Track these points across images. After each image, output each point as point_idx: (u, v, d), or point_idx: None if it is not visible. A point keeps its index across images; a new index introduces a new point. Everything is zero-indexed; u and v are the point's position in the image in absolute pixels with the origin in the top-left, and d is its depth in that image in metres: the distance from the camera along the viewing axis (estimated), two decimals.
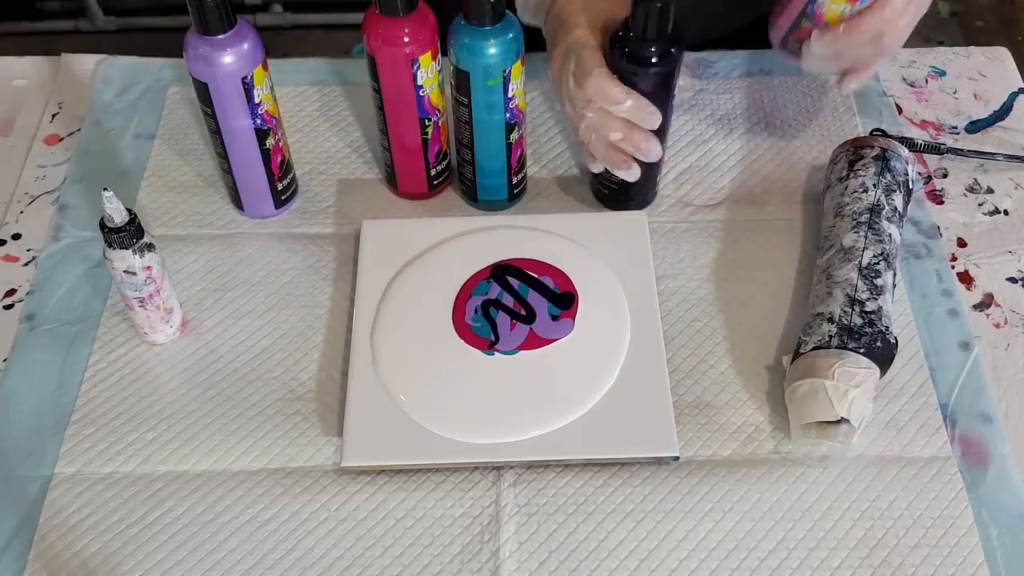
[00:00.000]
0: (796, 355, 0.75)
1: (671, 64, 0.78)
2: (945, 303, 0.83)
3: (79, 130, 0.96)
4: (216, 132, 0.82)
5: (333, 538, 0.71)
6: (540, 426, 0.74)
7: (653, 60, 0.77)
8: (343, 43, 2.14)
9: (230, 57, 0.77)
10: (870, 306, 0.75)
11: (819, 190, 0.89)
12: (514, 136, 0.84)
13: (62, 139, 0.96)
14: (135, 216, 0.73)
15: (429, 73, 0.80)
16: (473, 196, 0.89)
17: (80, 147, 0.94)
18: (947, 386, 0.78)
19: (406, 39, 0.78)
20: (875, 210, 0.80)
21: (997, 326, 0.82)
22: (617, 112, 0.78)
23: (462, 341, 0.78)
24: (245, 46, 0.77)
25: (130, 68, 1.01)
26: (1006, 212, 0.90)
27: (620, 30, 0.77)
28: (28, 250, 0.88)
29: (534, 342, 0.78)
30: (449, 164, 0.90)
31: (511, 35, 0.78)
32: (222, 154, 0.84)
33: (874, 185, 0.82)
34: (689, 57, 1.01)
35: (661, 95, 0.79)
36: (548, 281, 0.81)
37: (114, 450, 0.75)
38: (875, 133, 0.91)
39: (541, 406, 0.75)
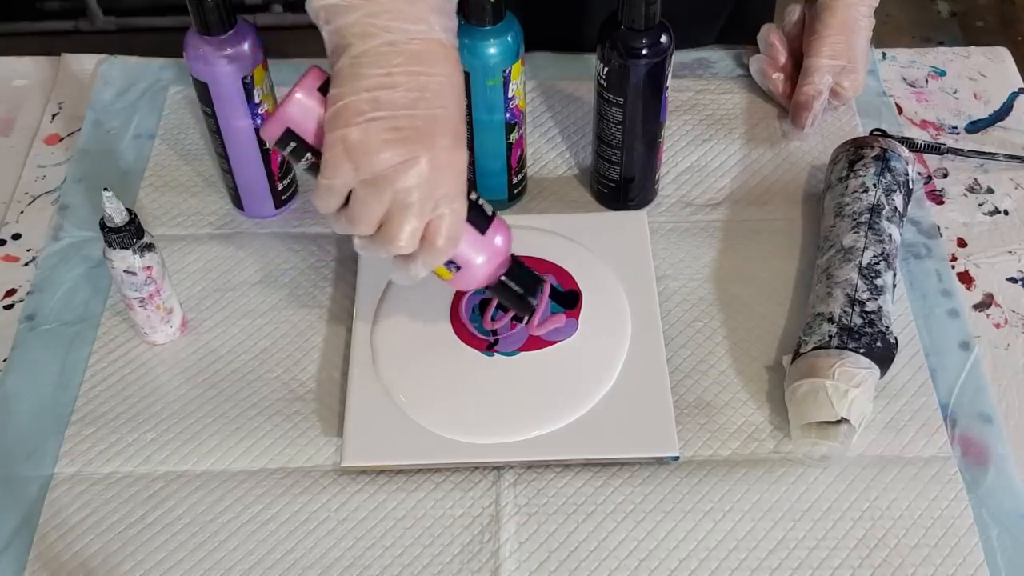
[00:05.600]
0: (796, 355, 0.75)
1: (661, 55, 0.78)
2: (945, 303, 0.83)
3: (79, 130, 0.96)
4: (216, 132, 0.82)
5: (333, 538, 0.71)
6: (540, 426, 0.74)
7: (644, 52, 0.77)
8: None
9: (230, 57, 0.77)
10: (870, 306, 0.75)
11: (819, 190, 0.89)
12: (514, 136, 0.84)
13: (62, 139, 0.96)
14: (135, 216, 0.73)
15: None
16: None
17: (80, 147, 0.94)
18: (947, 386, 0.78)
19: None
20: (875, 210, 0.80)
21: (997, 326, 0.82)
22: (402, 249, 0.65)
23: (461, 342, 0.78)
24: (245, 46, 0.77)
25: (130, 68, 1.01)
26: (1006, 212, 0.90)
27: (610, 22, 0.78)
28: (28, 250, 0.88)
29: (536, 343, 0.78)
30: None
31: (511, 35, 0.78)
32: (222, 154, 0.84)
33: (874, 185, 0.82)
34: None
35: (652, 87, 0.80)
36: (551, 279, 0.81)
37: (114, 450, 0.75)
38: (875, 133, 0.91)
39: (541, 406, 0.75)
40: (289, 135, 0.64)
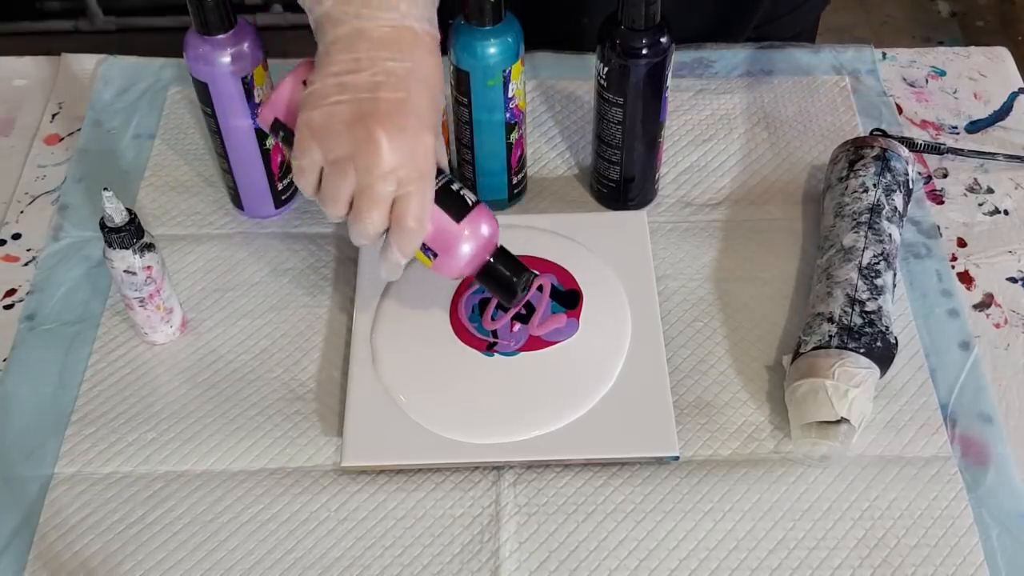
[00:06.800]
0: (796, 355, 0.75)
1: (661, 55, 0.78)
2: (945, 303, 0.83)
3: (79, 130, 0.96)
4: (216, 132, 0.82)
5: (333, 538, 0.71)
6: (540, 426, 0.74)
7: (644, 52, 0.77)
8: None
9: (230, 57, 0.77)
10: (870, 306, 0.75)
11: (819, 190, 0.89)
12: (514, 136, 0.84)
13: (62, 139, 0.96)
14: (135, 216, 0.73)
15: None
16: None
17: (80, 147, 0.94)
18: (947, 386, 0.78)
19: None
20: (875, 210, 0.80)
21: (997, 326, 0.82)
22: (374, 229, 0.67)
23: (461, 342, 0.78)
24: (245, 46, 0.77)
25: (130, 68, 1.01)
26: (1006, 212, 0.90)
27: (610, 22, 0.78)
28: (28, 250, 0.88)
29: (536, 343, 0.78)
30: (449, 164, 0.90)
31: (511, 35, 0.78)
32: (222, 154, 0.84)
33: (874, 185, 0.82)
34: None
35: (652, 87, 0.80)
36: (552, 278, 0.81)
37: (114, 450, 0.75)
38: (875, 133, 0.91)
39: (541, 406, 0.75)
40: (278, 124, 0.69)
